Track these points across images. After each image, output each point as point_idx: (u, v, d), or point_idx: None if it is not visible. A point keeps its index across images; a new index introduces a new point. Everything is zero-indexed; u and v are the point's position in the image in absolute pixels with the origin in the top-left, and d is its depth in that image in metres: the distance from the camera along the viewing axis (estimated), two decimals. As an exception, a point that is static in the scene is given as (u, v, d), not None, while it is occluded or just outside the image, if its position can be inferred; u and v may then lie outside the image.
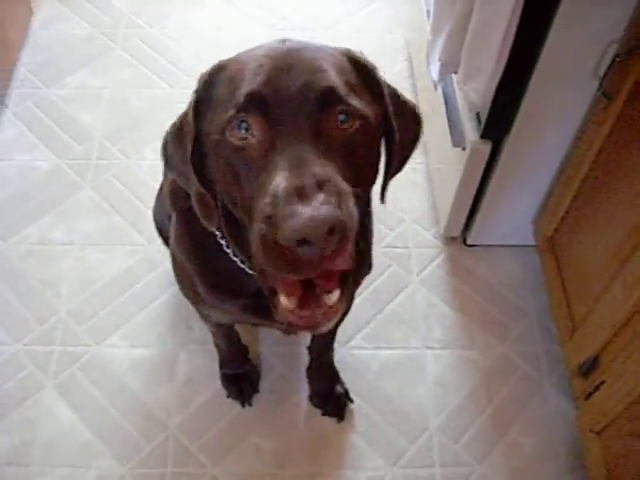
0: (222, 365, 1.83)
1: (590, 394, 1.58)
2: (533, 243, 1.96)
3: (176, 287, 1.93)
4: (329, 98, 0.88)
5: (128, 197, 2.20)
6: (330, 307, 0.90)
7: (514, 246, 2.10)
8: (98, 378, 1.85)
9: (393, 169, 1.07)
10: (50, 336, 1.91)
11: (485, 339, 1.94)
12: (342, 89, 0.90)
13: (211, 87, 0.96)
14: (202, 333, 1.90)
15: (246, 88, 0.88)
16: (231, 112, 0.88)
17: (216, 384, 1.84)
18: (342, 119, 0.89)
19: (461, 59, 1.59)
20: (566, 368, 1.73)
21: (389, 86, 1.04)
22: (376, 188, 1.09)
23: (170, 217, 1.52)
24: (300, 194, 0.79)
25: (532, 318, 1.98)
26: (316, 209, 0.78)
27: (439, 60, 1.67)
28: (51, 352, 1.89)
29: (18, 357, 1.88)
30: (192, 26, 2.69)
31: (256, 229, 0.85)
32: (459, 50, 1.59)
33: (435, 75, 1.72)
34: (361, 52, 1.02)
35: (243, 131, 0.88)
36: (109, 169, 2.27)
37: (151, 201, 1.88)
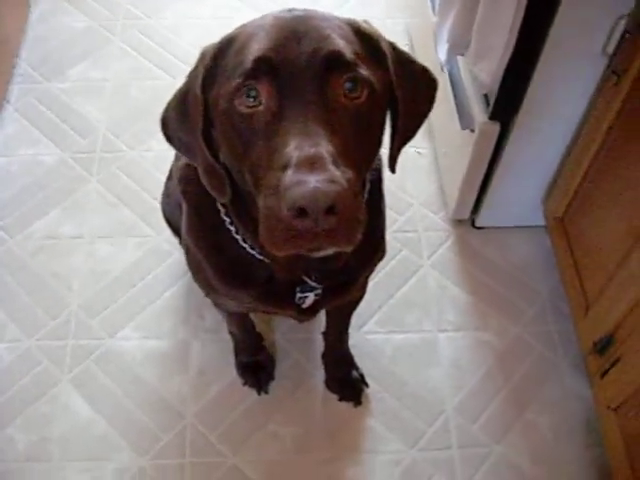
0: (237, 353, 1.83)
1: (606, 371, 1.58)
2: (542, 223, 1.96)
3: (187, 277, 1.96)
4: (336, 62, 0.88)
5: (135, 189, 2.19)
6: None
7: (523, 227, 2.09)
8: (113, 371, 1.85)
9: (403, 137, 1.06)
10: (63, 330, 1.91)
11: (498, 320, 1.94)
12: (349, 55, 0.89)
13: (219, 58, 0.95)
14: (214, 322, 1.90)
15: (254, 54, 0.88)
16: (239, 79, 0.88)
17: (231, 373, 1.84)
18: (349, 87, 0.89)
19: (470, 40, 1.58)
20: (581, 346, 1.73)
21: (396, 49, 1.03)
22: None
23: (180, 207, 1.52)
24: (308, 165, 0.80)
25: (545, 298, 1.98)
26: (320, 182, 0.79)
27: (447, 42, 1.67)
28: (64, 346, 1.88)
29: (32, 352, 1.87)
30: (190, 16, 2.69)
31: (262, 198, 0.86)
32: (468, 31, 1.58)
33: (443, 57, 1.72)
34: (366, 21, 1.02)
35: (251, 99, 0.88)
36: (114, 161, 2.26)
37: (158, 192, 1.87)
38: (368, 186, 1.16)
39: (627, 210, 1.52)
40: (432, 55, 1.87)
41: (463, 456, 1.74)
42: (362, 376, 1.82)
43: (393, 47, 1.03)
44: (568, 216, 1.81)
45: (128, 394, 1.82)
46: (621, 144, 1.56)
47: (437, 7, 1.74)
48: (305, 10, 0.96)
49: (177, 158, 1.43)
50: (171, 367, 1.86)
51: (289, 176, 0.80)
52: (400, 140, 1.06)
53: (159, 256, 2.05)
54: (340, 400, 1.81)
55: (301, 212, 0.79)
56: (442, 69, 1.81)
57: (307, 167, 0.80)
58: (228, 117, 0.91)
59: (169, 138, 1.08)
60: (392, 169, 1.10)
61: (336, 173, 0.80)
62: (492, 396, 1.82)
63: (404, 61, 1.03)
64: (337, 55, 0.88)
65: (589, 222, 1.71)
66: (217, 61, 0.95)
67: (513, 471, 1.72)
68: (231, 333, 1.76)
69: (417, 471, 1.72)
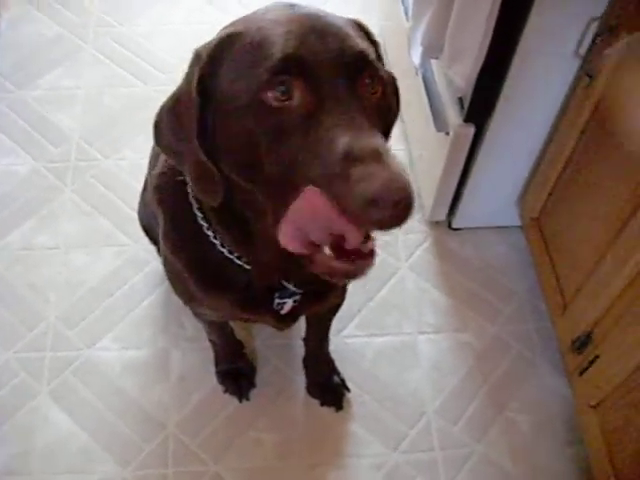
0: (217, 361, 1.82)
1: (585, 369, 1.59)
2: (519, 223, 1.97)
3: (165, 285, 1.95)
4: (362, 62, 0.90)
5: (110, 198, 2.17)
6: (368, 253, 0.88)
7: (499, 227, 2.11)
8: (92, 382, 1.83)
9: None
10: (40, 342, 1.89)
11: (477, 321, 1.96)
12: (371, 55, 0.92)
13: (221, 56, 0.93)
14: (194, 330, 1.89)
15: (282, 51, 0.86)
16: (268, 73, 0.86)
17: (212, 381, 1.83)
18: (368, 83, 0.90)
19: (444, 43, 1.59)
20: (559, 345, 1.75)
21: None
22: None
23: (155, 215, 1.51)
24: (374, 159, 0.79)
25: (522, 297, 2.00)
26: (394, 174, 0.78)
27: (421, 45, 1.68)
28: (42, 358, 1.86)
29: (9, 365, 1.85)
30: (163, 22, 2.67)
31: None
32: (442, 34, 1.59)
33: (417, 60, 1.73)
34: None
35: (282, 93, 0.86)
36: (88, 170, 2.24)
37: (133, 200, 1.86)
38: None
39: (601, 210, 1.54)
40: (405, 58, 1.88)
41: (445, 457, 1.75)
42: (343, 381, 1.83)
43: None
44: (544, 216, 1.83)
45: (108, 405, 1.80)
46: (594, 145, 1.57)
47: (411, 11, 1.74)
48: (309, 7, 0.95)
49: (152, 167, 1.42)
50: (151, 376, 1.85)
51: (360, 169, 0.79)
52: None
53: (136, 265, 2.04)
54: (322, 405, 1.81)
55: (373, 204, 0.77)
56: (416, 72, 1.82)
57: (374, 160, 0.79)
58: (250, 111, 0.88)
59: (158, 142, 1.05)
60: None
61: (399, 166, 0.81)
62: (472, 396, 1.83)
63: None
64: (363, 55, 0.90)
65: (564, 222, 1.72)
66: (218, 59, 0.93)
67: (495, 470, 1.74)
68: (211, 341, 1.75)
69: (400, 474, 1.72)
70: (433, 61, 1.84)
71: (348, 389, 1.82)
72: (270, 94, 0.86)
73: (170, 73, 2.45)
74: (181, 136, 0.97)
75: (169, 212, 1.24)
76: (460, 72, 1.58)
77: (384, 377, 1.86)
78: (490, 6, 1.41)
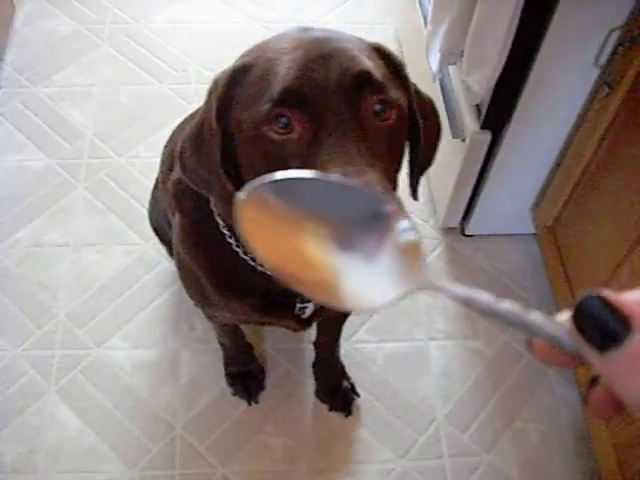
0: (227, 364, 1.82)
1: (595, 380, 1.58)
2: (532, 231, 1.96)
3: (176, 286, 1.94)
4: (366, 82, 0.86)
5: (122, 196, 2.17)
6: None
7: (513, 235, 2.10)
8: (101, 381, 1.83)
9: (422, 165, 1.05)
10: (50, 340, 1.89)
11: (488, 328, 1.94)
12: (377, 75, 0.87)
13: (234, 87, 0.92)
14: (205, 331, 1.89)
15: (281, 84, 0.85)
16: (267, 107, 0.85)
17: (221, 383, 1.83)
18: (379, 109, 0.86)
19: (464, 50, 1.58)
20: (570, 355, 1.73)
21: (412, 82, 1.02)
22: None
23: (166, 216, 1.50)
24: None
25: (534, 306, 1.98)
26: None
27: (440, 51, 1.66)
28: (51, 356, 1.86)
29: (18, 363, 1.85)
30: (178, 20, 2.66)
31: None
32: (461, 41, 1.58)
33: (435, 66, 1.71)
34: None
35: (281, 125, 0.85)
36: (101, 168, 2.23)
37: (145, 199, 1.86)
38: None
39: (618, 221, 1.52)
40: (421, 61, 1.87)
41: (454, 465, 1.74)
42: (353, 386, 1.82)
43: None
44: (558, 225, 1.82)
45: (117, 404, 1.80)
46: (612, 155, 1.56)
47: (429, 16, 1.73)
48: (323, 30, 0.93)
49: (164, 168, 1.42)
50: (160, 377, 1.84)
51: None
52: (420, 169, 1.05)
53: (147, 264, 2.03)
54: (330, 410, 1.80)
55: None
56: (434, 78, 1.80)
57: None
58: (255, 143, 0.88)
59: (184, 171, 1.04)
60: (415, 196, 1.09)
61: None
62: (482, 404, 1.82)
63: (415, 92, 1.02)
64: (366, 75, 0.86)
65: (579, 232, 1.71)
66: (232, 90, 0.92)
67: (503, 479, 1.72)
68: (221, 343, 1.75)
69: (408, 481, 1.72)
70: (451, 67, 1.83)
71: (358, 394, 1.82)
72: (271, 127, 0.85)
73: (184, 71, 2.44)
74: (206, 164, 0.97)
75: (190, 218, 1.23)
76: (479, 79, 1.57)
77: (394, 383, 1.85)
78: (511, 14, 1.40)
